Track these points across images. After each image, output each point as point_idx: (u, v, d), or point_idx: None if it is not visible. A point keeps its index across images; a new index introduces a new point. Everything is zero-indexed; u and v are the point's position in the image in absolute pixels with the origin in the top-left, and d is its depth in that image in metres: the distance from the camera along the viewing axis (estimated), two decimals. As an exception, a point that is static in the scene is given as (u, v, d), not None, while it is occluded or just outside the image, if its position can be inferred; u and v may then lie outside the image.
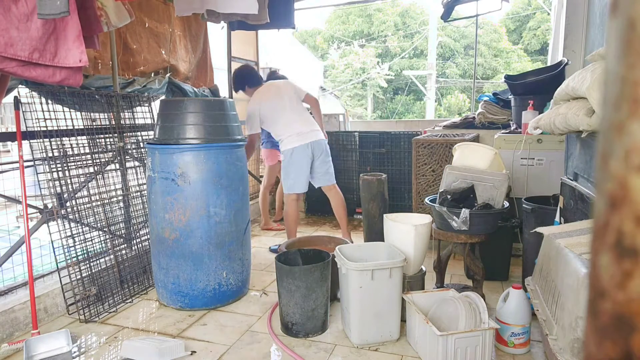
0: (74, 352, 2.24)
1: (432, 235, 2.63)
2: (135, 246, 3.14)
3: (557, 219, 2.46)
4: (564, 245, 1.81)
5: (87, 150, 2.87)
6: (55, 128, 2.65)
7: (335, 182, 3.73)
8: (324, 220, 5.00)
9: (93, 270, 2.75)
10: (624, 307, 0.26)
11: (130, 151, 3.22)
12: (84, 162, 2.84)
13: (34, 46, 1.96)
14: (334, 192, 3.72)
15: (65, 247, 2.60)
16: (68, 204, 2.69)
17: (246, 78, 3.73)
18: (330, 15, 22.31)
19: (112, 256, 2.89)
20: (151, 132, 3.33)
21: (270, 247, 3.97)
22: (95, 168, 2.89)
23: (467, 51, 19.95)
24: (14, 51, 1.92)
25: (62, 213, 2.63)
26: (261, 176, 5.38)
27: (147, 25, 3.68)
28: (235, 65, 4.90)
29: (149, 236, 3.00)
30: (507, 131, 3.57)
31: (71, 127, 2.78)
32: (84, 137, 2.85)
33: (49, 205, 2.62)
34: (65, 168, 2.69)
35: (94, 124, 2.96)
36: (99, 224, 2.86)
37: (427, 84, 17.04)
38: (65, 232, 2.62)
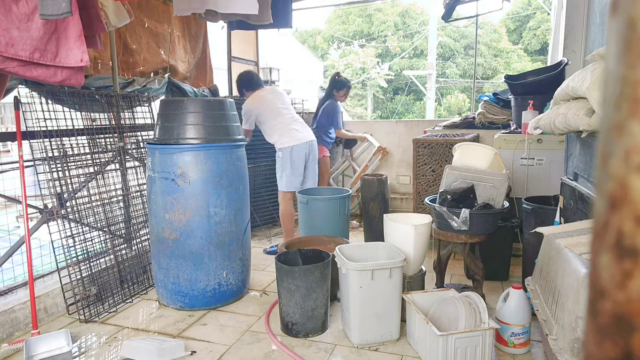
0: (74, 352, 2.24)
1: (432, 235, 2.63)
2: (135, 246, 3.14)
3: (557, 219, 2.46)
4: (564, 245, 1.81)
5: (87, 150, 2.87)
6: (55, 128, 2.65)
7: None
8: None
9: (93, 270, 2.75)
10: (624, 307, 0.27)
11: (130, 151, 3.22)
12: (84, 162, 2.84)
13: (35, 46, 1.96)
14: None
15: (65, 247, 2.60)
16: (68, 204, 2.69)
17: (244, 82, 3.87)
18: (330, 15, 22.31)
19: (112, 256, 2.89)
20: (151, 132, 3.33)
21: (265, 250, 3.92)
22: (95, 168, 2.89)
23: (467, 51, 19.95)
24: (15, 51, 1.92)
25: (62, 213, 2.63)
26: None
27: (146, 25, 3.68)
28: (235, 65, 4.91)
29: (149, 236, 3.00)
30: (507, 131, 3.57)
31: (71, 127, 2.77)
32: (84, 137, 2.85)
33: (49, 205, 2.62)
34: (65, 168, 2.69)
35: (94, 124, 2.96)
36: (99, 224, 2.86)
37: (427, 84, 17.04)
38: (65, 232, 2.62)
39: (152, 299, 2.91)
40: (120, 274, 2.90)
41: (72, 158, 2.75)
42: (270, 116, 3.67)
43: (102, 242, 2.88)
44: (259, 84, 3.86)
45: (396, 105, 20.67)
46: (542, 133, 2.69)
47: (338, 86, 4.55)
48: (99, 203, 2.87)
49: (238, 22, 3.95)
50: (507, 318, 2.16)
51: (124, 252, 3.03)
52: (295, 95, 5.26)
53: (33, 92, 2.64)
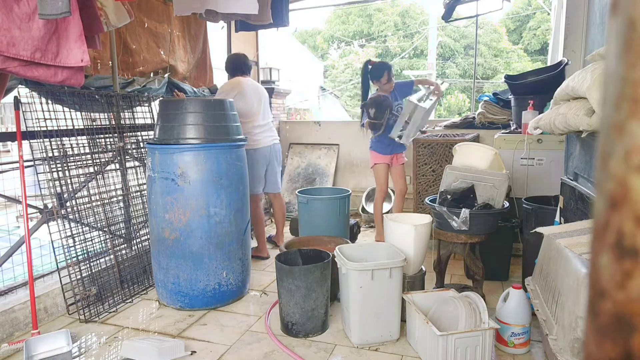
0: (74, 352, 2.24)
1: (432, 235, 2.63)
2: (135, 246, 3.14)
3: (557, 219, 2.46)
4: (564, 245, 1.81)
5: (87, 150, 2.87)
6: (55, 128, 2.65)
7: (280, 191, 3.97)
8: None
9: (93, 270, 2.75)
10: (624, 307, 0.26)
11: (130, 151, 3.22)
12: (84, 162, 2.84)
13: (36, 46, 1.96)
14: (279, 199, 3.96)
15: (65, 247, 2.60)
16: (68, 204, 2.69)
17: (234, 67, 3.62)
18: (330, 15, 22.30)
19: (112, 256, 2.89)
20: (151, 132, 3.33)
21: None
22: (95, 168, 2.89)
23: (467, 51, 19.94)
24: (16, 51, 1.92)
25: (62, 213, 2.63)
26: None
27: (146, 25, 3.68)
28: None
29: (149, 236, 3.00)
30: (507, 131, 3.57)
31: (71, 127, 2.77)
32: (84, 137, 2.85)
33: (49, 205, 2.62)
34: (65, 168, 2.69)
35: (94, 124, 2.96)
36: (99, 224, 2.86)
37: (427, 84, 17.00)
38: (65, 232, 2.61)
39: (152, 299, 2.91)
40: (120, 274, 2.90)
41: (72, 158, 2.75)
42: (243, 110, 3.43)
43: (102, 242, 2.88)
44: (249, 69, 3.65)
45: (396, 105, 20.61)
46: (542, 133, 2.69)
47: (376, 75, 3.70)
48: (99, 203, 2.86)
49: (241, 23, 3.95)
50: (507, 318, 2.16)
51: (124, 252, 3.03)
52: (295, 95, 5.24)
53: (33, 92, 2.64)
